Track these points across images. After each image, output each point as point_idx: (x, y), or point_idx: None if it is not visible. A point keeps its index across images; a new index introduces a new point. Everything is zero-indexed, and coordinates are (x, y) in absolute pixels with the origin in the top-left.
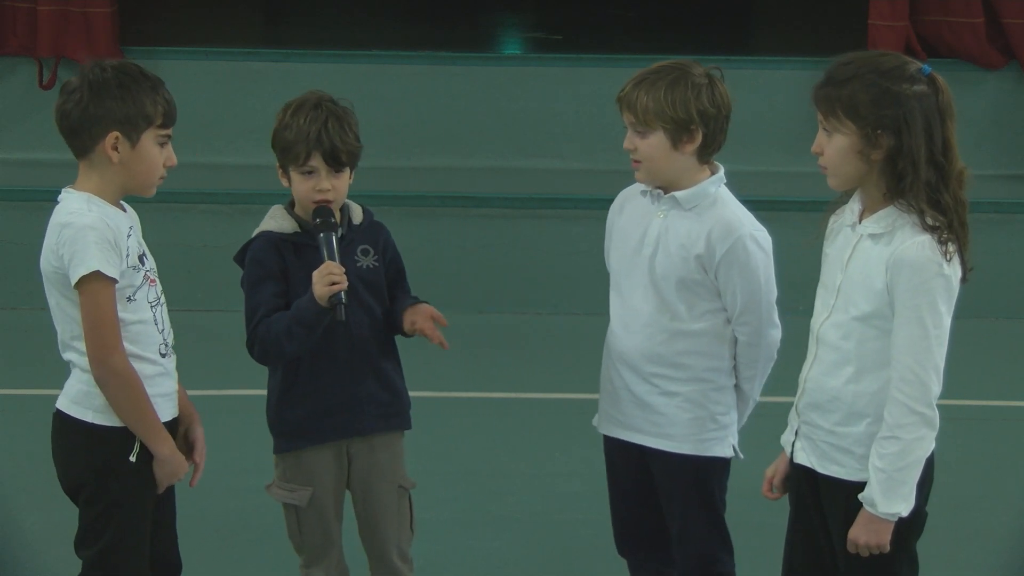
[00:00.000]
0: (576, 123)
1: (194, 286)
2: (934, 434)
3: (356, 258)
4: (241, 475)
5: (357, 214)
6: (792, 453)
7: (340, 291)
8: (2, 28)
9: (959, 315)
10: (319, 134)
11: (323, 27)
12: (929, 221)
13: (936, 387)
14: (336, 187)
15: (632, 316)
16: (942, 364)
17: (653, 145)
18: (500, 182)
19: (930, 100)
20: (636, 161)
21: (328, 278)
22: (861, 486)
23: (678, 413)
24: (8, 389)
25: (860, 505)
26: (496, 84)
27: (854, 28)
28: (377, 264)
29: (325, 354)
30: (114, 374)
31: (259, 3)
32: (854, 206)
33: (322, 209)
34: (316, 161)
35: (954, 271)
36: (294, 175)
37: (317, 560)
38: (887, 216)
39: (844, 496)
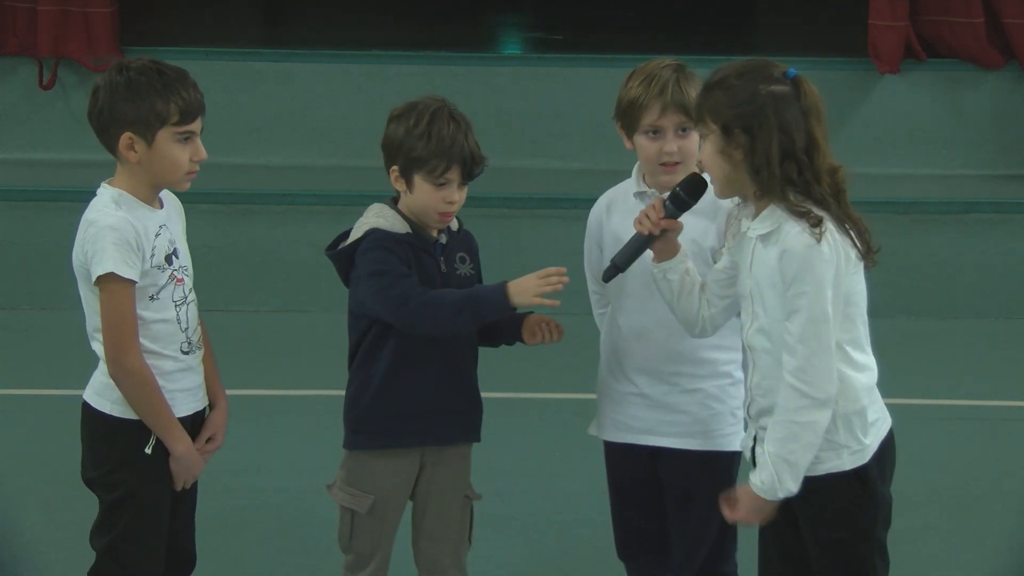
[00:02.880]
0: (576, 123)
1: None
2: (827, 415)
3: (456, 266)
4: (241, 475)
5: (455, 221)
6: (753, 458)
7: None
8: (2, 28)
9: (959, 315)
10: (462, 148)
11: (323, 27)
12: (795, 207)
13: (832, 367)
14: (462, 198)
15: (647, 318)
16: (833, 343)
17: (696, 141)
18: (500, 182)
19: (790, 101)
20: (674, 164)
21: (550, 281)
22: (821, 477)
23: (698, 411)
24: (8, 389)
25: (828, 497)
26: (496, 84)
27: (854, 28)
28: (473, 272)
29: (425, 359)
30: (128, 373)
31: (259, 3)
32: (746, 215)
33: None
34: (453, 174)
35: (830, 251)
36: (422, 183)
37: (361, 566)
38: (770, 215)
39: (809, 491)
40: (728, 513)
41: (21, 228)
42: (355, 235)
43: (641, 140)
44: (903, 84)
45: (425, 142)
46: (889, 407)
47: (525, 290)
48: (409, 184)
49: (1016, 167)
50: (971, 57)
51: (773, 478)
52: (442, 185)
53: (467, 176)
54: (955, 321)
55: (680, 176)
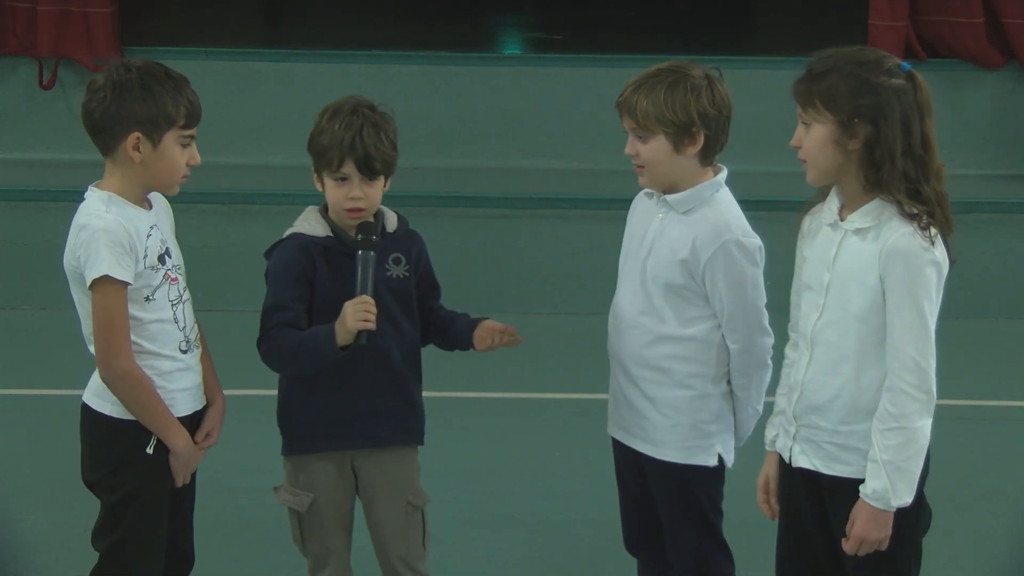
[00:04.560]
0: (576, 123)
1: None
2: (930, 419)
3: (387, 267)
4: (241, 475)
5: (392, 222)
6: (790, 458)
7: (368, 328)
8: (2, 28)
9: (959, 315)
10: (353, 141)
11: (323, 27)
12: (908, 209)
13: (933, 372)
14: (369, 195)
15: (621, 317)
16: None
17: (655, 150)
18: (500, 182)
19: (908, 95)
20: (639, 167)
21: (362, 314)
22: None
23: (660, 419)
24: (8, 389)
25: None
26: (496, 84)
27: (854, 28)
28: (408, 274)
29: (347, 364)
30: (119, 377)
31: (259, 3)
32: (832, 205)
33: (366, 225)
34: (349, 168)
35: (941, 256)
36: (327, 181)
37: (320, 567)
38: (872, 210)
39: (853, 495)
40: (845, 544)
41: (21, 228)
42: (285, 235)
43: None
44: None
45: (321, 137)
46: None
47: (342, 323)
48: (321, 183)
49: (1016, 167)
50: (971, 57)
51: (887, 487)
52: (341, 180)
53: (365, 171)
54: (955, 321)
55: (645, 180)
